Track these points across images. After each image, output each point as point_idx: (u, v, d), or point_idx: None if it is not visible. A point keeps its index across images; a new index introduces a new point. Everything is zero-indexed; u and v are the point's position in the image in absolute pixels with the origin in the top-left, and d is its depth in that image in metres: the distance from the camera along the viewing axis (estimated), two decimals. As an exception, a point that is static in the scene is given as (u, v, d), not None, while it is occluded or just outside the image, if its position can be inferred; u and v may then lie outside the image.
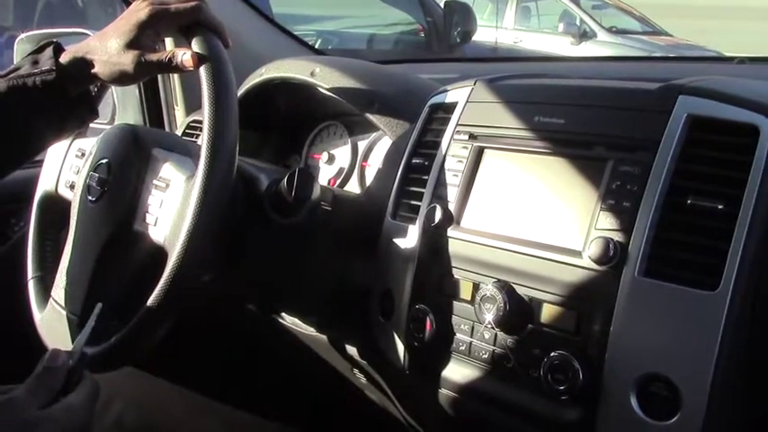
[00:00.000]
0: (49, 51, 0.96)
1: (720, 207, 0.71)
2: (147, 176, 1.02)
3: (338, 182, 1.33)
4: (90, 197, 1.04)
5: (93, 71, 0.95)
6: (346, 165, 1.33)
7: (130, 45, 0.92)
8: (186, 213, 0.89)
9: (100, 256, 1.02)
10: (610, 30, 8.42)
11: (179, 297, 0.92)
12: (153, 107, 1.57)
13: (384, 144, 1.27)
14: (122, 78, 0.96)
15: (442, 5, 3.74)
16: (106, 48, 0.93)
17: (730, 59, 1.06)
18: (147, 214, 1.00)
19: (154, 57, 0.93)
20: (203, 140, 0.90)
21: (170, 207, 0.98)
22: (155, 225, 0.99)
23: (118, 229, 1.02)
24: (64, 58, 0.96)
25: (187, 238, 0.88)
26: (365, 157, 1.31)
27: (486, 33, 6.59)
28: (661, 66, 1.85)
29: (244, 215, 1.01)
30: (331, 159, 1.36)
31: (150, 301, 0.91)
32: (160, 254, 0.96)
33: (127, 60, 0.92)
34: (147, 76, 0.98)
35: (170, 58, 0.92)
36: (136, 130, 1.08)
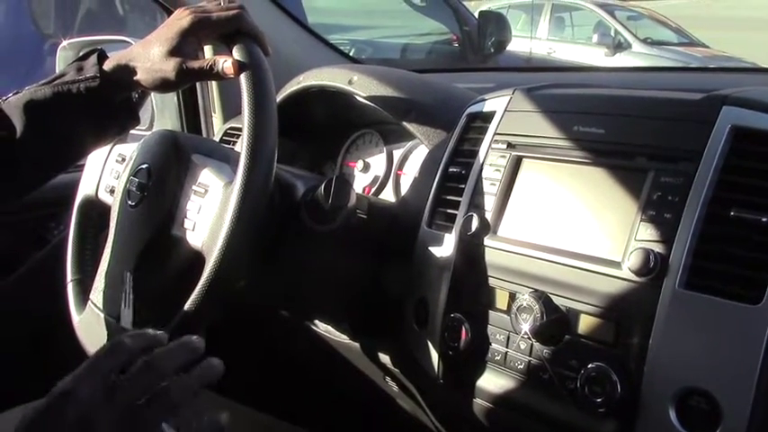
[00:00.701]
0: (93, 58, 0.98)
1: (765, 220, 0.70)
2: (186, 182, 1.03)
3: (373, 190, 1.33)
4: (130, 202, 1.06)
5: (135, 78, 0.97)
6: (381, 173, 1.33)
7: (172, 53, 0.93)
8: (224, 219, 0.90)
9: (138, 260, 1.03)
10: (645, 41, 8.35)
11: (216, 302, 0.93)
12: (191, 114, 1.59)
13: (420, 153, 1.27)
14: (164, 85, 0.97)
15: (476, 15, 3.74)
16: (149, 55, 0.95)
17: (772, 70, 1.04)
18: (185, 219, 1.01)
19: (195, 64, 0.94)
20: (242, 147, 0.91)
21: (208, 213, 0.99)
22: (193, 230, 1.00)
23: (156, 234, 1.03)
24: (107, 65, 0.97)
25: (225, 244, 0.89)
26: (400, 166, 1.31)
27: (519, 44, 6.57)
28: (699, 76, 1.82)
29: (280, 222, 1.01)
30: (366, 167, 1.36)
31: (187, 306, 0.92)
32: (198, 259, 0.97)
33: (169, 68, 0.94)
34: (188, 83, 1.00)
35: (211, 66, 0.93)
36: (175, 135, 1.09)
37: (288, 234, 1.02)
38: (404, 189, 1.28)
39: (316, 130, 1.42)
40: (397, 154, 1.32)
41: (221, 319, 1.01)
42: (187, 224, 1.00)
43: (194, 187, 1.02)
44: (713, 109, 0.76)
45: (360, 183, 1.35)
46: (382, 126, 1.36)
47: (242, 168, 0.90)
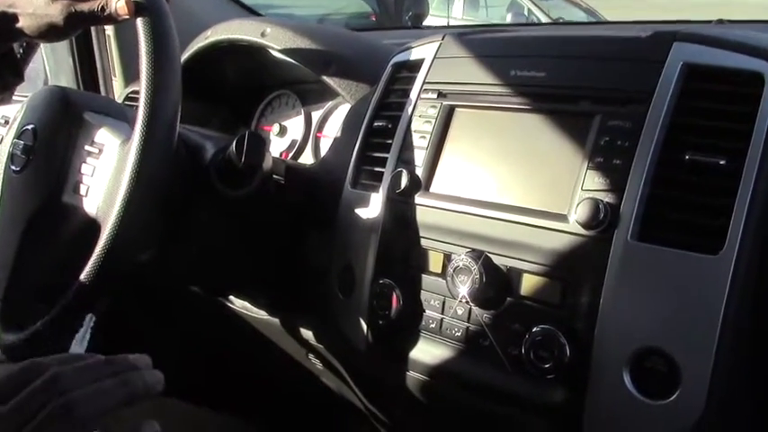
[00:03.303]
0: None
1: (722, 162, 0.64)
2: (79, 142, 0.91)
3: (291, 155, 1.24)
4: (13, 167, 0.94)
5: (17, 26, 0.84)
6: (299, 136, 1.24)
7: None
8: (121, 181, 0.79)
9: (25, 232, 0.91)
10: (556, 21, 8.44)
11: (112, 277, 0.82)
12: (88, 77, 1.45)
13: (341, 113, 1.18)
14: (51, 32, 0.84)
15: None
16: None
17: (709, 21, 0.99)
18: (78, 184, 0.90)
19: (85, 6, 0.82)
20: (141, 99, 0.80)
21: (103, 175, 0.88)
22: (87, 195, 0.89)
23: (45, 201, 0.91)
24: None
25: (122, 209, 0.79)
26: (320, 128, 1.22)
27: (436, 23, 6.53)
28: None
29: (187, 187, 0.91)
30: (283, 131, 1.26)
31: (80, 282, 0.81)
32: (93, 228, 0.86)
33: (55, 11, 0.81)
34: (78, 28, 0.87)
35: (103, 7, 0.81)
36: (66, 92, 0.97)
37: (196, 200, 0.92)
38: (324, 152, 1.19)
39: (226, 92, 1.31)
40: (316, 115, 1.22)
41: (120, 298, 0.90)
42: (80, 189, 0.89)
43: (87, 147, 0.91)
44: (663, 46, 0.70)
45: (276, 148, 1.25)
46: (299, 86, 1.26)
47: (140, 123, 0.79)
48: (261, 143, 0.87)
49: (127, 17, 0.80)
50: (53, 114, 0.94)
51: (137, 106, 0.80)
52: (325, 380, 1.12)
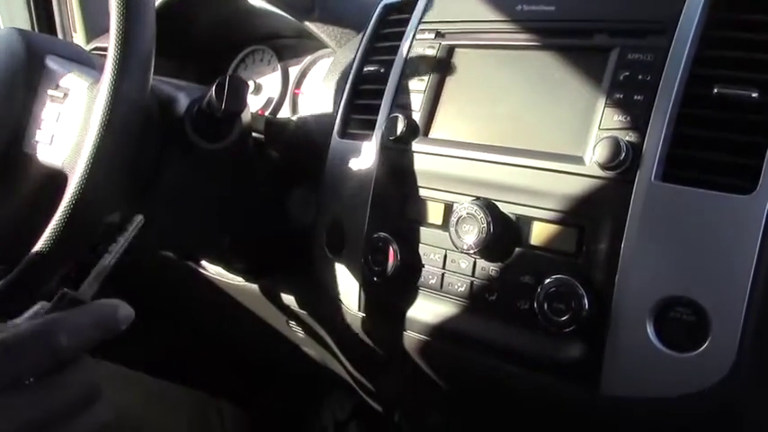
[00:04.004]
0: None
1: (755, 95, 0.59)
2: (41, 87, 0.83)
3: (267, 113, 1.17)
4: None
5: None
6: (276, 94, 1.17)
7: None
8: (90, 128, 0.71)
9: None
10: None
11: (79, 236, 0.74)
12: (46, 32, 1.35)
13: (320, 68, 1.12)
14: None
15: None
16: None
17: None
18: (39, 132, 0.81)
19: None
20: (111, 40, 0.72)
21: (69, 122, 0.80)
22: (50, 144, 0.81)
23: (4, 151, 0.82)
24: None
25: (91, 157, 0.71)
26: (297, 85, 1.15)
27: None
28: None
29: (160, 141, 0.83)
30: (258, 89, 1.19)
31: (42, 241, 0.73)
32: (57, 181, 0.78)
33: None
34: None
35: None
36: (25, 33, 0.88)
37: (169, 155, 0.84)
38: (302, 109, 1.12)
39: (197, 48, 1.23)
40: (294, 71, 1.15)
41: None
42: (42, 137, 0.81)
43: (51, 92, 0.82)
44: (687, -28, 0.64)
45: (251, 106, 1.18)
46: (276, 41, 1.19)
47: (111, 64, 0.71)
48: (243, 87, 0.80)
49: None
50: (10, 57, 0.85)
51: (105, 54, 0.72)
52: (307, 349, 1.06)
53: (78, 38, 1.34)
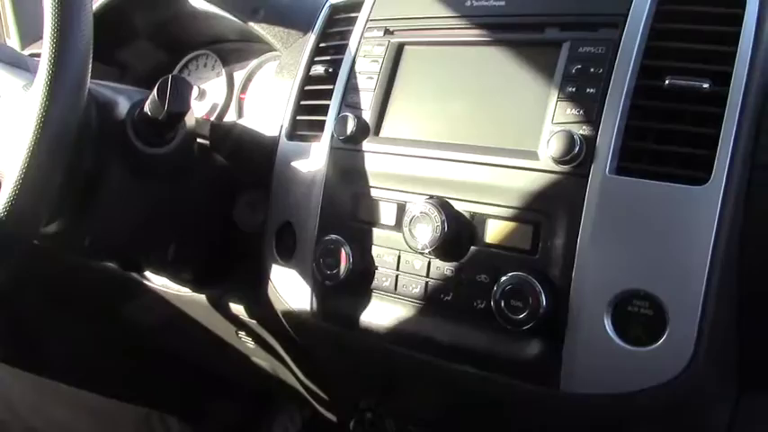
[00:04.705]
0: None
1: (705, 86, 0.59)
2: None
3: (212, 119, 1.14)
4: None
5: None
6: (221, 99, 1.14)
7: None
8: (24, 130, 0.68)
9: None
10: None
11: (13, 247, 0.70)
12: (-23, 38, 1.30)
13: (266, 72, 1.09)
14: None
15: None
16: None
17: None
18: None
19: None
20: (45, 38, 0.69)
21: (2, 125, 0.76)
22: (-20, 149, 0.76)
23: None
24: None
25: (26, 162, 0.67)
26: (243, 89, 1.12)
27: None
28: None
29: (99, 146, 0.80)
30: (202, 95, 1.16)
31: None
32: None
33: None
34: None
35: None
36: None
37: (110, 161, 0.81)
38: (248, 114, 1.10)
39: (139, 53, 1.19)
40: (239, 76, 1.13)
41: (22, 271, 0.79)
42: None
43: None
44: (634, -34, 0.64)
45: (195, 113, 1.14)
46: (219, 45, 1.16)
47: (46, 66, 0.68)
48: (187, 88, 0.77)
49: None
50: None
51: (40, 57, 0.69)
52: (258, 360, 1.03)
53: (12, 42, 1.30)
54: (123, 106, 0.82)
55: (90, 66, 0.72)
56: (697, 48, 0.61)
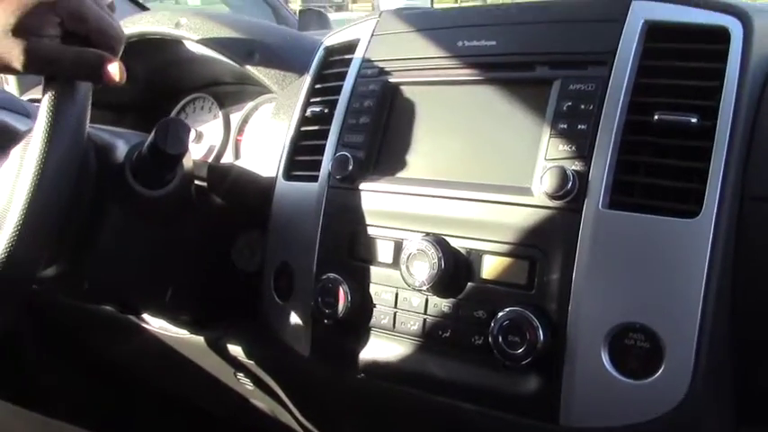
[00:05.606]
0: None
1: (693, 121, 0.61)
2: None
3: (209, 161, 1.15)
4: None
5: None
6: (218, 142, 1.15)
7: (22, 29, 0.63)
8: (22, 177, 0.68)
9: None
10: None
11: (12, 292, 0.71)
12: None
13: (262, 114, 1.11)
14: (3, 70, 0.67)
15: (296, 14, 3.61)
16: None
17: None
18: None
19: (54, 52, 0.65)
20: (44, 86, 0.70)
21: (0, 171, 0.77)
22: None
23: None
24: None
25: (23, 212, 0.67)
26: (239, 131, 1.14)
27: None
28: None
29: (98, 189, 0.81)
30: (199, 137, 1.18)
31: None
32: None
33: (15, 51, 0.63)
34: (40, 73, 0.69)
35: (81, 62, 0.65)
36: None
37: (108, 204, 0.82)
38: (246, 155, 1.11)
39: (134, 97, 1.21)
40: (235, 118, 1.14)
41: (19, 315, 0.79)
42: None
43: (-19, 140, 0.79)
44: (622, 5, 0.66)
45: (193, 155, 1.16)
46: (216, 88, 1.18)
47: (45, 112, 0.69)
48: (185, 130, 0.78)
49: (117, 82, 0.67)
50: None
51: (39, 102, 0.70)
52: (257, 401, 1.02)
53: (11, 88, 1.31)
54: (122, 149, 0.83)
55: (89, 111, 0.73)
56: (684, 84, 0.62)
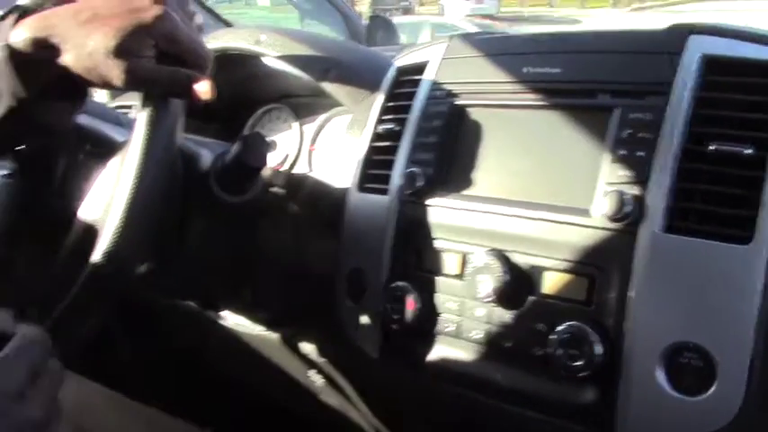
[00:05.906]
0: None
1: (747, 152, 0.64)
2: (73, 146, 0.88)
3: (284, 169, 1.21)
4: (3, 171, 0.90)
5: (60, 61, 0.67)
6: (292, 151, 1.21)
7: (122, 51, 0.67)
8: (122, 185, 0.76)
9: (13, 237, 0.87)
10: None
11: (110, 286, 0.78)
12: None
13: (334, 126, 1.16)
14: (102, 87, 0.74)
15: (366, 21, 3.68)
16: (86, 43, 0.67)
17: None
18: (73, 189, 0.86)
19: (153, 72, 0.69)
20: (143, 102, 0.77)
21: (101, 179, 0.85)
22: (82, 201, 0.85)
23: (37, 207, 0.87)
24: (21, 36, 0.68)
25: (123, 217, 0.75)
26: (312, 142, 1.20)
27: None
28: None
29: (185, 195, 0.88)
30: (274, 146, 1.24)
31: (76, 290, 0.77)
32: (89, 235, 0.82)
33: (116, 71, 0.67)
34: (138, 90, 0.75)
35: (176, 80, 0.70)
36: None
37: (195, 209, 0.89)
38: (319, 165, 1.17)
39: (216, 107, 1.27)
40: (309, 129, 1.20)
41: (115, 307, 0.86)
42: (75, 194, 0.85)
43: (82, 151, 0.87)
44: (679, 38, 0.69)
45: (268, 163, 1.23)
46: (292, 99, 1.24)
47: (145, 122, 0.75)
48: (265, 144, 0.85)
49: (207, 99, 0.71)
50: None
51: (129, 109, 0.77)
52: (326, 398, 1.09)
53: (100, 95, 1.40)
54: (207, 159, 0.90)
55: (182, 124, 0.80)
56: (740, 116, 0.65)
